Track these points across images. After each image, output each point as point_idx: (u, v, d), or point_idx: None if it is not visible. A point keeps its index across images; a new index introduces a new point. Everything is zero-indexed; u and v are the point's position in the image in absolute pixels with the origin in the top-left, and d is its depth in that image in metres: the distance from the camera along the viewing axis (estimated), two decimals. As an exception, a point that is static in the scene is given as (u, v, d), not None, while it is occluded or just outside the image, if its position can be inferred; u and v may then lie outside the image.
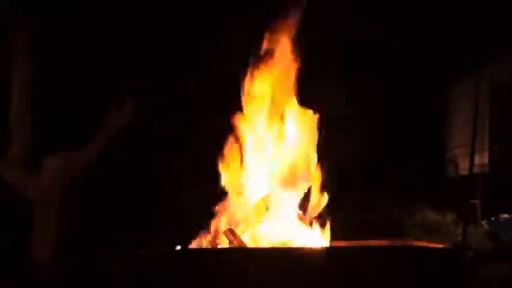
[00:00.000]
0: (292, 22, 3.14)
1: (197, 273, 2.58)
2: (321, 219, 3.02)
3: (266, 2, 3.54)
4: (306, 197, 3.06)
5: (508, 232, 5.44)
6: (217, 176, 3.15)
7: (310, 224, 3.02)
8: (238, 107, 3.18)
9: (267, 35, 3.18)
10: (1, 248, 3.54)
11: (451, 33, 6.39)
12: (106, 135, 3.76)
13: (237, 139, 3.17)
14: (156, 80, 5.11)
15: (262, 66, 3.16)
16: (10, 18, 3.70)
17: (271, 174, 3.04)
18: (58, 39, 4.17)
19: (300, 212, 3.06)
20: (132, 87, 4.22)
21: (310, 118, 3.09)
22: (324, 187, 3.09)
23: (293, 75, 3.15)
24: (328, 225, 2.99)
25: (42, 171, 3.57)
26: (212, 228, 3.02)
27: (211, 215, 3.07)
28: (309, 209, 3.06)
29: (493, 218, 5.79)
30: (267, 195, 3.03)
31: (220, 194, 3.12)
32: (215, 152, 3.19)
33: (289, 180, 2.99)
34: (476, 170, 6.45)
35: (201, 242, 3.00)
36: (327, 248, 2.90)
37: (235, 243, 2.83)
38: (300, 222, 3.02)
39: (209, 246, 2.94)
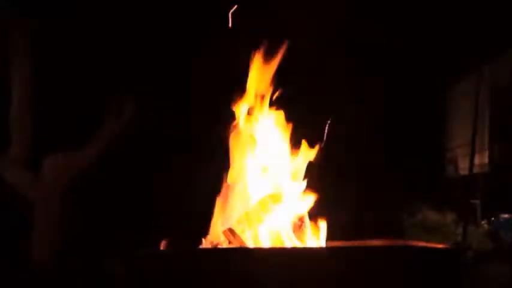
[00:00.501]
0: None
1: (197, 274, 2.58)
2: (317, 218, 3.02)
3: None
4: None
5: (508, 232, 5.44)
6: (217, 175, 3.15)
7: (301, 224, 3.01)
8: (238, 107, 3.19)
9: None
10: (1, 248, 3.54)
11: (451, 33, 6.39)
12: (106, 135, 3.76)
13: (238, 138, 3.18)
14: (156, 80, 5.11)
15: (262, 67, 3.18)
16: (10, 18, 3.70)
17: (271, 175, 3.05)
18: (58, 39, 4.16)
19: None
20: (132, 87, 4.22)
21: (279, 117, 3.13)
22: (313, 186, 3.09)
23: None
24: (324, 225, 2.99)
25: (43, 171, 3.57)
26: (212, 228, 3.02)
27: (211, 215, 3.07)
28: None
29: (493, 218, 5.80)
30: (267, 195, 3.03)
31: (220, 194, 3.12)
32: (215, 152, 3.19)
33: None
34: (476, 170, 6.47)
35: (201, 242, 3.00)
36: (327, 248, 2.90)
37: (235, 243, 2.83)
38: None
39: (209, 246, 2.94)
